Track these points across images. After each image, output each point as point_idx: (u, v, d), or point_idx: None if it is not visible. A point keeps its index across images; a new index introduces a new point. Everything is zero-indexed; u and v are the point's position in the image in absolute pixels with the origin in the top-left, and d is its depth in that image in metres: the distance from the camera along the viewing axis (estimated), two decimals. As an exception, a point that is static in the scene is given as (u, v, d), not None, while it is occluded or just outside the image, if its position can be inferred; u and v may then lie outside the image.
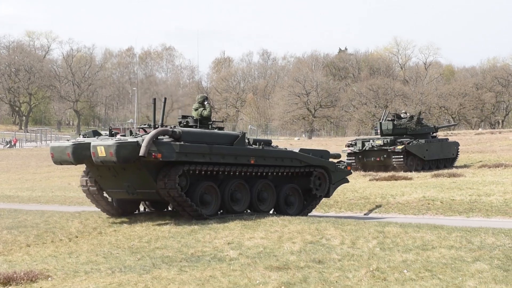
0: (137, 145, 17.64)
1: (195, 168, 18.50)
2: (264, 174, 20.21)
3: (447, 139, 41.16)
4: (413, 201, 24.08)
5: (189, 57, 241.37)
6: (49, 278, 12.73)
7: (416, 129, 37.79)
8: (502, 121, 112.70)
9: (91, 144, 17.98)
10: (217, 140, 19.11)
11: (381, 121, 38.61)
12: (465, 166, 37.80)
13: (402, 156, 35.83)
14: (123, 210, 20.17)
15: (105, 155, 17.63)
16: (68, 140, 19.38)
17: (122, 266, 13.50)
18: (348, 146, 37.15)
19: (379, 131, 38.10)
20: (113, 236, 17.22)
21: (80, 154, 18.22)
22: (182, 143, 18.15)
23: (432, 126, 41.19)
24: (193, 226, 17.38)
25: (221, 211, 19.49)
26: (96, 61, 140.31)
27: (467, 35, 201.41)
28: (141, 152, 17.46)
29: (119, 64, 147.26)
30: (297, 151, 21.09)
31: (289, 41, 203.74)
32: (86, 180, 19.64)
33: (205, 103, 20.28)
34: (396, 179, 31.28)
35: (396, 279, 11.50)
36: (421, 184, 28.29)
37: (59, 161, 18.77)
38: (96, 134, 19.38)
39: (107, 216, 19.85)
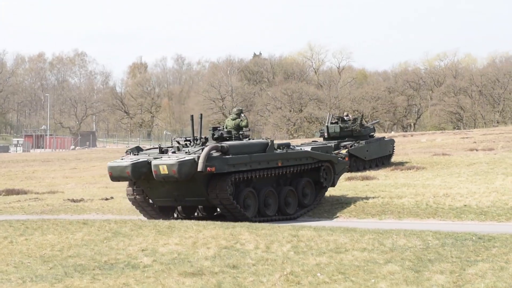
0: (194, 161, 19.91)
1: (239, 176, 21.02)
2: (286, 172, 22.92)
3: (384, 137, 43.14)
4: (326, 204, 24.32)
5: (102, 62, 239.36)
6: (-43, 290, 12.43)
7: (360, 130, 38.96)
8: (414, 124, 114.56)
9: (152, 163, 20.20)
10: (254, 149, 21.83)
11: (327, 124, 39.37)
12: (378, 168, 38.38)
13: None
14: (164, 214, 22.22)
15: (167, 172, 19.84)
16: (122, 158, 21.43)
17: (34, 276, 13.23)
18: None
19: (326, 134, 39.05)
20: (24, 245, 16.84)
21: (139, 171, 20.61)
22: (230, 156, 20.68)
23: (372, 127, 42.58)
24: (106, 233, 17.17)
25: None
26: (7, 67, 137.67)
27: (379, 39, 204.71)
28: (199, 168, 19.80)
29: (31, 69, 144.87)
30: (309, 149, 24.09)
31: (204, 45, 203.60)
32: (134, 191, 21.93)
33: (242, 114, 23.28)
34: (310, 183, 31.53)
35: (310, 283, 11.57)
36: (335, 187, 28.56)
37: (117, 179, 21.21)
38: (139, 150, 22.00)
39: (20, 224, 19.47)
